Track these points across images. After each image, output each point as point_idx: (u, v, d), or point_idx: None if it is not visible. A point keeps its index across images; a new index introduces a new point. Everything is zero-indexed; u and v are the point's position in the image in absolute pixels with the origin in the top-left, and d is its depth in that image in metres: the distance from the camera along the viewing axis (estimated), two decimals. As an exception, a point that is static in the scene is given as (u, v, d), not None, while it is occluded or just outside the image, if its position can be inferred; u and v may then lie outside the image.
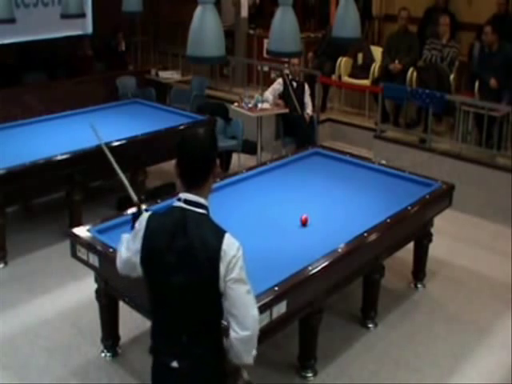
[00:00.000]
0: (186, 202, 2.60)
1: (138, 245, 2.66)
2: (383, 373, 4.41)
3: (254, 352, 2.63)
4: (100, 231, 4.28)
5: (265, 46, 9.28)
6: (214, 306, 2.57)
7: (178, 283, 2.55)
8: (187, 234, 2.54)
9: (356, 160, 5.91)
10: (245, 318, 2.53)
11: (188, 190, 2.60)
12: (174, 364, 2.61)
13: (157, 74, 10.20)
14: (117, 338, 4.53)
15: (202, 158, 2.58)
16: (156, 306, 2.72)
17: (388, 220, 4.58)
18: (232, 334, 2.55)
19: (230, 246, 2.53)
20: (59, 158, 5.92)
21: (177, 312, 2.61)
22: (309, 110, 7.97)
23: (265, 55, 9.49)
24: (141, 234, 2.65)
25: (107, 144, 6.31)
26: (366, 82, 8.90)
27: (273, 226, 4.57)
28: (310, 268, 3.90)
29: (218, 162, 2.74)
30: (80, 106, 7.51)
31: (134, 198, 3.27)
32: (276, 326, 3.76)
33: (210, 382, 2.68)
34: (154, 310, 2.75)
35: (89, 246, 4.16)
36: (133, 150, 6.56)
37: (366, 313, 4.92)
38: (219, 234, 2.56)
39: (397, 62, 8.33)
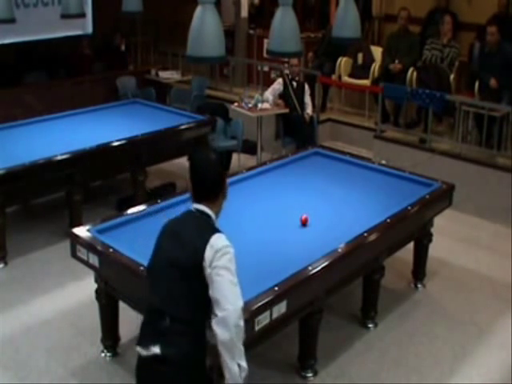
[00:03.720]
0: (196, 209, 2.90)
1: None
2: (383, 373, 4.41)
3: (240, 362, 2.71)
4: (100, 231, 4.28)
5: (265, 46, 9.28)
6: (199, 298, 2.75)
7: (167, 260, 2.82)
8: (186, 227, 2.86)
9: (356, 160, 5.91)
10: (226, 300, 2.67)
11: (199, 202, 2.90)
12: (156, 349, 2.76)
13: (157, 74, 10.19)
14: (117, 338, 4.53)
15: (213, 182, 2.88)
16: (150, 292, 2.91)
17: (388, 220, 4.58)
18: (212, 319, 2.71)
19: (219, 240, 2.75)
20: (59, 157, 5.92)
21: (164, 295, 2.80)
22: (309, 110, 7.97)
23: (265, 55, 9.48)
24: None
25: (107, 144, 6.37)
26: (365, 82, 8.89)
27: (273, 225, 4.57)
28: (310, 268, 3.90)
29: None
30: (80, 106, 7.51)
31: None
32: (276, 326, 3.77)
33: (190, 375, 2.77)
34: (148, 298, 2.94)
35: (89, 245, 4.16)
36: (133, 149, 6.56)
37: (366, 313, 4.92)
38: (214, 230, 2.81)
39: (397, 61, 8.33)
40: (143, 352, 2.86)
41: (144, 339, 2.88)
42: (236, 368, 2.70)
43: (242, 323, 2.71)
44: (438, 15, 8.57)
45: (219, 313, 2.67)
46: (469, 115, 7.35)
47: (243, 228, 4.48)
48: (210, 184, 2.86)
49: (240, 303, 2.71)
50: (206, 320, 2.76)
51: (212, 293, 2.70)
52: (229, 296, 2.68)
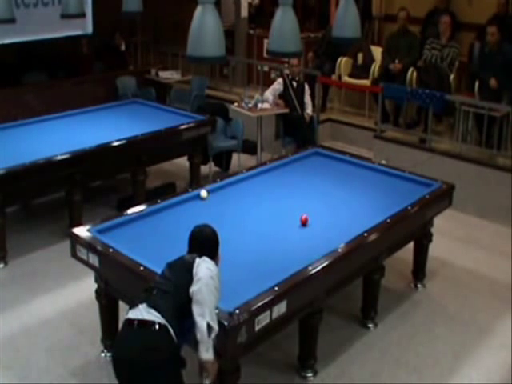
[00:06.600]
0: None
1: None
2: (383, 373, 4.41)
3: (211, 322, 3.09)
4: (100, 231, 4.28)
5: (265, 46, 9.27)
6: (186, 303, 3.13)
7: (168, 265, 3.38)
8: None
9: (356, 160, 5.91)
10: (199, 277, 3.13)
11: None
12: (138, 311, 3.12)
13: (157, 74, 10.19)
14: (117, 338, 4.53)
15: (209, 247, 3.35)
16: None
17: (388, 220, 4.58)
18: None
19: (205, 259, 3.23)
20: (59, 157, 5.92)
21: (162, 287, 3.24)
22: (309, 110, 7.97)
23: (265, 55, 9.48)
24: None
25: (107, 144, 6.37)
26: (365, 82, 8.89)
27: (273, 225, 4.57)
28: (310, 268, 3.90)
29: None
30: (80, 106, 7.51)
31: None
32: (276, 326, 3.77)
33: (161, 359, 3.07)
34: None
35: (89, 245, 4.17)
36: (133, 149, 6.56)
37: (366, 313, 4.92)
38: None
39: (397, 61, 8.33)
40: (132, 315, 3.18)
41: (132, 303, 3.26)
42: (205, 326, 3.07)
43: (212, 286, 3.13)
44: (437, 15, 8.57)
45: (191, 288, 3.14)
46: (469, 115, 7.35)
47: (243, 228, 4.48)
48: (206, 250, 3.32)
49: (211, 287, 3.15)
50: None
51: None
52: (203, 279, 3.14)
